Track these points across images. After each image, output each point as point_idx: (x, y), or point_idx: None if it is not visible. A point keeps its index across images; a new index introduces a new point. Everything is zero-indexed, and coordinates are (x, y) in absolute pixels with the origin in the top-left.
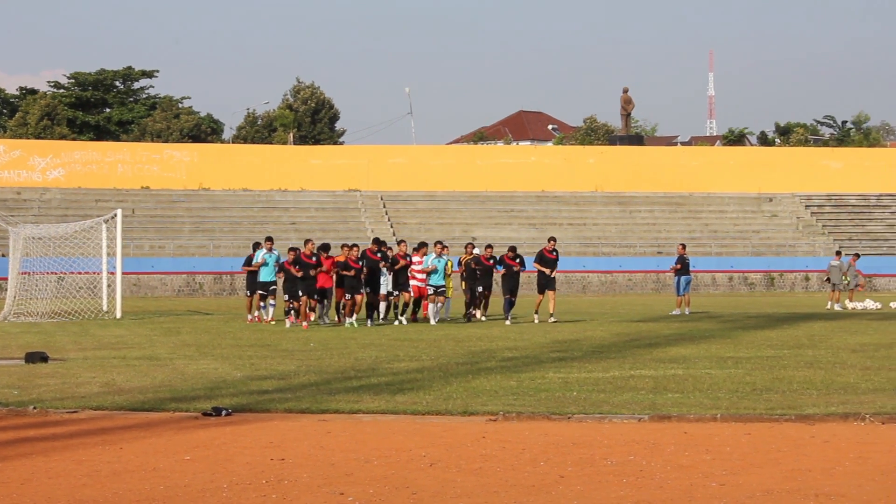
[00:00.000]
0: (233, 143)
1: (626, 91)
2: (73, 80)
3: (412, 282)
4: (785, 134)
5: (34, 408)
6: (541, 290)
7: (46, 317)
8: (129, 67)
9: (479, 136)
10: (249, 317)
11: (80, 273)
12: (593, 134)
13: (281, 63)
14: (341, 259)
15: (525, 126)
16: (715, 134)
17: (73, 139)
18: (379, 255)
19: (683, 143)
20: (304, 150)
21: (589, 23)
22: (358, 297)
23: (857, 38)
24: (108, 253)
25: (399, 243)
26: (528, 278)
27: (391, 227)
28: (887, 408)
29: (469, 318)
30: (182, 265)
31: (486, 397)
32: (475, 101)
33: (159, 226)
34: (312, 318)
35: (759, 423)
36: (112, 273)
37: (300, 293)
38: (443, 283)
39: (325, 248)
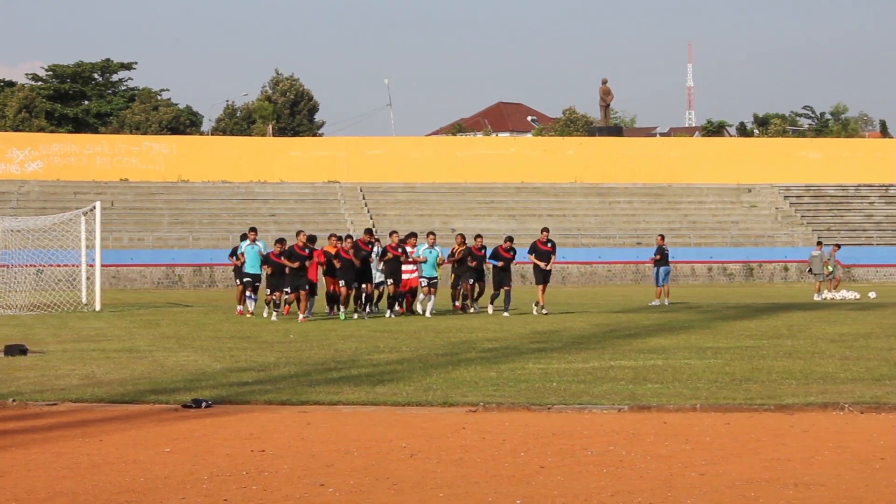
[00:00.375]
0: (212, 135)
1: (605, 82)
2: (51, 73)
3: (403, 273)
4: (763, 125)
5: (13, 400)
6: (539, 281)
7: (25, 309)
8: (108, 60)
9: (459, 128)
10: (240, 307)
11: (59, 265)
12: (572, 125)
13: (260, 55)
14: (330, 250)
15: (504, 117)
16: (694, 125)
17: (52, 131)
18: (370, 245)
19: (662, 135)
20: (283, 142)
21: (568, 14)
22: (346, 290)
23: (835, 29)
24: (87, 245)
25: (391, 234)
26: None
27: (371, 218)
28: (866, 397)
29: (464, 308)
30: (161, 257)
31: (466, 388)
32: (454, 92)
33: (138, 218)
34: (304, 313)
35: (738, 413)
36: (91, 265)
37: (295, 286)
38: (434, 274)
39: (312, 239)
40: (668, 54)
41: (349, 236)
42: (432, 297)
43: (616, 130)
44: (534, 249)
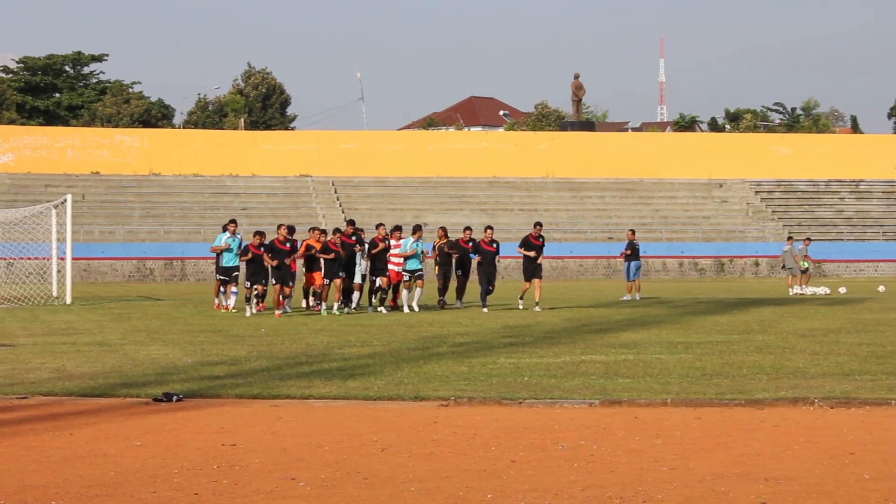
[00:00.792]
0: (183, 128)
1: (577, 77)
2: (22, 65)
3: (389, 266)
4: (735, 120)
5: None
6: (527, 278)
7: None
8: (79, 52)
9: (431, 122)
10: (216, 301)
11: (29, 258)
12: (544, 120)
13: (232, 48)
14: (313, 244)
15: (476, 112)
16: (665, 120)
17: (23, 124)
18: (354, 238)
19: (634, 129)
20: (255, 136)
21: (540, 8)
22: (336, 282)
23: (807, 25)
24: (57, 238)
25: (377, 226)
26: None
27: (342, 212)
28: (836, 392)
29: (442, 304)
30: (132, 251)
31: (437, 382)
32: (426, 86)
33: (109, 211)
34: (282, 308)
35: (709, 408)
36: (62, 258)
37: (273, 281)
38: (420, 267)
39: (291, 230)
40: (641, 49)
41: (337, 230)
42: (419, 289)
43: (588, 125)
44: (525, 244)
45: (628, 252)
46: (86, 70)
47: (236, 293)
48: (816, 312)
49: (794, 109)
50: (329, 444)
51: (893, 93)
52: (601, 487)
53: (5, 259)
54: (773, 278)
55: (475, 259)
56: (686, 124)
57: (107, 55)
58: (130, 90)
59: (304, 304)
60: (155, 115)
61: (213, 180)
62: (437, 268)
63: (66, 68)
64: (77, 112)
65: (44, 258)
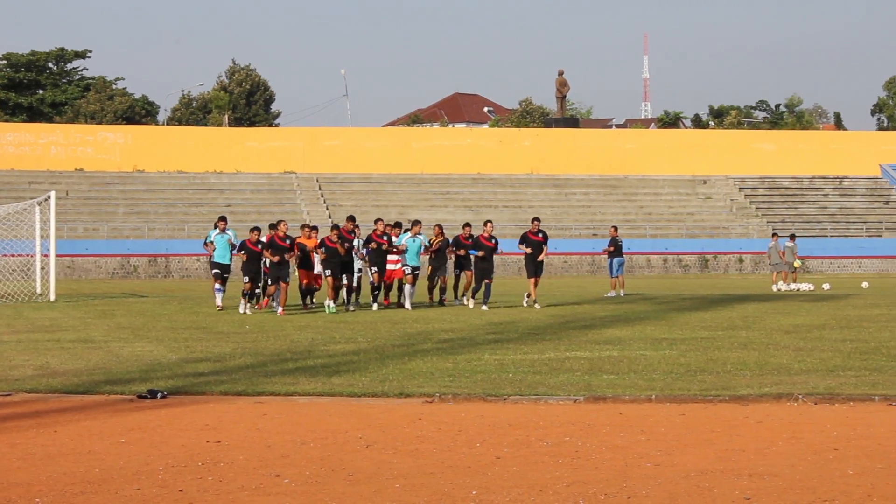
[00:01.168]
0: (167, 124)
1: (561, 74)
2: (4, 62)
3: (388, 265)
4: (719, 117)
5: None
6: (530, 275)
7: None
8: (62, 48)
9: (415, 119)
10: (216, 302)
11: (13, 255)
12: (529, 116)
13: (216, 45)
14: (304, 241)
15: (461, 108)
16: (650, 117)
17: (6, 121)
18: (353, 234)
19: (618, 126)
20: (239, 133)
21: (524, 5)
22: (329, 280)
23: (790, 22)
24: (41, 235)
25: (376, 221)
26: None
27: (327, 209)
28: (819, 388)
29: (441, 302)
30: (116, 248)
31: (422, 379)
32: (411, 83)
33: (93, 208)
34: (283, 306)
35: (693, 404)
36: (46, 255)
37: (276, 278)
38: (417, 264)
39: (258, 230)
40: (625, 46)
41: (336, 226)
42: (413, 287)
43: (572, 122)
44: (524, 240)
45: (611, 249)
46: (69, 66)
47: (222, 290)
48: (800, 309)
49: (777, 106)
50: (314, 440)
51: (876, 90)
52: (586, 484)
53: None
54: (757, 274)
55: (475, 255)
56: (670, 121)
57: (90, 51)
58: (114, 87)
59: (302, 304)
60: (139, 112)
61: (198, 177)
62: (429, 267)
63: (50, 65)
64: (61, 109)
65: (27, 255)
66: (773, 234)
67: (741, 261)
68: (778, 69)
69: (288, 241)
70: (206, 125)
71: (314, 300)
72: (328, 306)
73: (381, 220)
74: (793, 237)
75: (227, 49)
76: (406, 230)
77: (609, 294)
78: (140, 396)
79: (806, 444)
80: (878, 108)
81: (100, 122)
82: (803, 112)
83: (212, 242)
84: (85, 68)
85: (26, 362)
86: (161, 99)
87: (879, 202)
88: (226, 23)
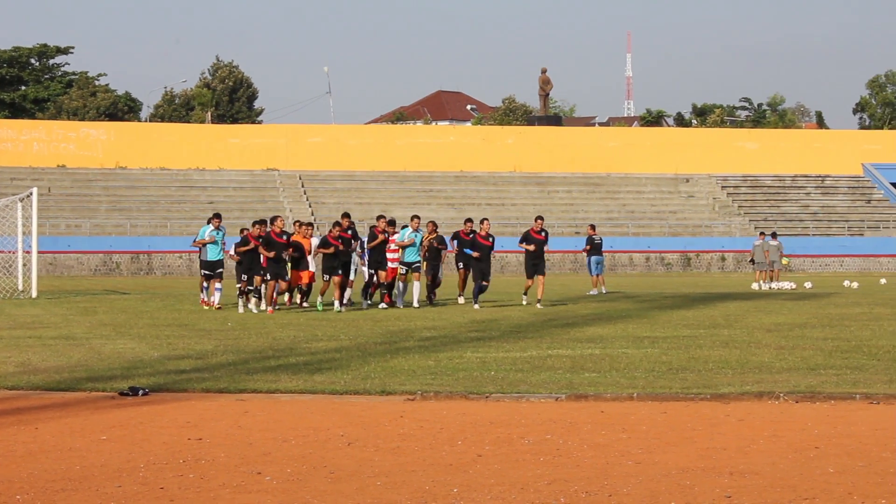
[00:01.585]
0: (150, 121)
1: (544, 72)
2: None
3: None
4: (702, 115)
5: None
6: (529, 274)
7: None
8: (44, 45)
9: (398, 116)
10: (202, 297)
11: None
12: (512, 114)
13: (199, 41)
14: (299, 239)
15: (444, 106)
16: (633, 115)
17: None
18: (350, 232)
19: (601, 124)
20: (222, 129)
21: (507, 3)
22: (336, 279)
23: (773, 22)
24: (23, 232)
25: (378, 218)
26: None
27: (310, 206)
28: (801, 387)
29: (431, 301)
30: (99, 244)
31: (404, 377)
32: (394, 80)
33: (76, 204)
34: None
35: (674, 402)
36: (27, 252)
37: (269, 276)
38: (417, 259)
39: (263, 223)
40: (608, 44)
41: (337, 223)
42: (417, 283)
43: (555, 120)
44: (526, 238)
45: (588, 248)
46: (51, 62)
47: (220, 289)
48: (782, 307)
49: (760, 105)
50: (295, 438)
51: (858, 89)
52: (567, 482)
53: None
54: (739, 273)
55: (472, 254)
56: (653, 119)
57: (73, 48)
58: (97, 83)
59: (294, 301)
60: (121, 109)
61: (180, 174)
62: (425, 263)
63: (32, 61)
64: (43, 105)
65: (9, 251)
66: (761, 234)
67: (723, 259)
68: (761, 68)
69: (285, 238)
70: (188, 122)
71: (307, 300)
72: (328, 305)
73: (383, 216)
74: (774, 236)
75: (210, 46)
76: (404, 226)
77: (591, 292)
78: (122, 393)
79: (787, 443)
80: (860, 107)
81: (82, 119)
82: (786, 111)
83: (211, 237)
84: (67, 64)
85: (8, 359)
86: (144, 95)
87: (861, 201)
88: (209, 20)
